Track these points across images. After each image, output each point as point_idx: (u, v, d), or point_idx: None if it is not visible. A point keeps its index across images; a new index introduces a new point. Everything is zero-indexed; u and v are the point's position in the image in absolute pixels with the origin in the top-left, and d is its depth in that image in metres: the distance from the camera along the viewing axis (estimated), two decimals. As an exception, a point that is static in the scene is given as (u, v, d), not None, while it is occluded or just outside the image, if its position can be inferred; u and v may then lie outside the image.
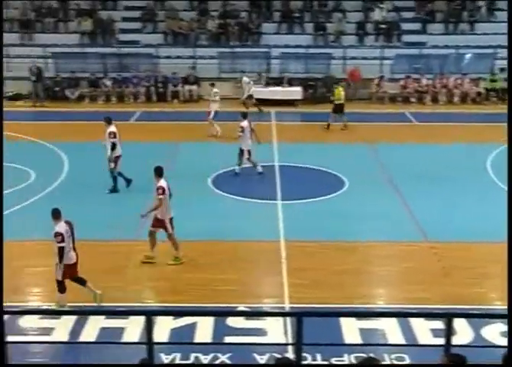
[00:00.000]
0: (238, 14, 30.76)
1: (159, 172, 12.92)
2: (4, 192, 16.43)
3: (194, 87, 27.73)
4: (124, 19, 30.67)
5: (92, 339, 10.11)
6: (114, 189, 16.95)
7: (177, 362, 9.62)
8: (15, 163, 18.57)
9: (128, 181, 17.07)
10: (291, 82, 27.38)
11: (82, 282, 11.39)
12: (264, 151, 20.05)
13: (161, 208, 12.67)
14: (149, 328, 6.12)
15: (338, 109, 23.13)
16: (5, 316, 6.35)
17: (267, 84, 27.31)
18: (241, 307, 11.09)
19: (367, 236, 14.13)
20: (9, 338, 6.15)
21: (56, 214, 11.17)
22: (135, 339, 9.66)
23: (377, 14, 30.43)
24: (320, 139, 21.96)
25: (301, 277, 12.27)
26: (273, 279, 12.45)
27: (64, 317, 10.71)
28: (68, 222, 11.23)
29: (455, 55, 28.44)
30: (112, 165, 16.75)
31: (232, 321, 10.54)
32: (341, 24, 30.22)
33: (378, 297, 12.15)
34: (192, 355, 9.73)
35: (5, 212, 15.01)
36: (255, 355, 9.61)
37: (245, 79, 25.98)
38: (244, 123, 18.05)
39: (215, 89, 22.62)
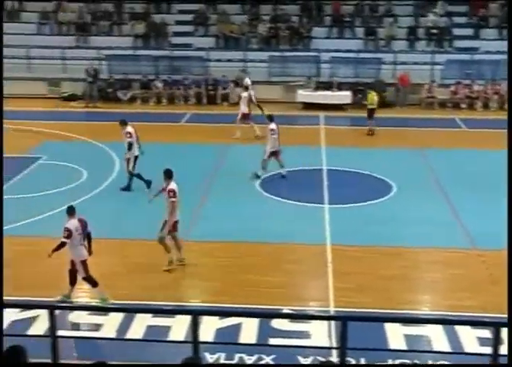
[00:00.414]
0: (289, 18, 30.83)
1: (169, 174, 12.99)
2: (58, 190, 16.93)
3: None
4: (177, 22, 31.05)
5: (139, 337, 10.26)
6: (127, 188, 17.15)
7: (221, 361, 9.73)
8: (68, 162, 19.06)
9: (129, 185, 17.20)
10: (340, 87, 27.34)
11: (73, 281, 11.65)
12: (311, 154, 20.12)
13: (170, 210, 12.74)
14: (195, 327, 6.20)
15: (369, 114, 23.05)
16: (56, 311, 6.54)
17: (317, 88, 27.31)
18: (286, 309, 11.14)
19: (414, 242, 14.05)
20: (60, 332, 6.33)
21: (70, 211, 11.59)
22: (181, 338, 9.73)
23: (430, 19, 30.15)
24: (369, 144, 21.88)
25: (346, 282, 12.27)
26: (319, 282, 12.48)
27: (112, 314, 10.87)
28: (81, 220, 11.56)
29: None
30: (131, 165, 17.04)
31: (277, 323, 10.58)
32: (392, 29, 30.05)
33: (424, 303, 12.07)
34: (237, 356, 9.82)
35: (59, 210, 15.54)
36: (299, 357, 9.65)
37: (247, 80, 26.00)
38: (273, 125, 18.18)
39: (244, 94, 22.74)
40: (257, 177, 18.01)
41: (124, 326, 10.59)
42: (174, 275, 12.72)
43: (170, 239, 12.95)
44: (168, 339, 10.04)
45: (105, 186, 17.51)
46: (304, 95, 26.63)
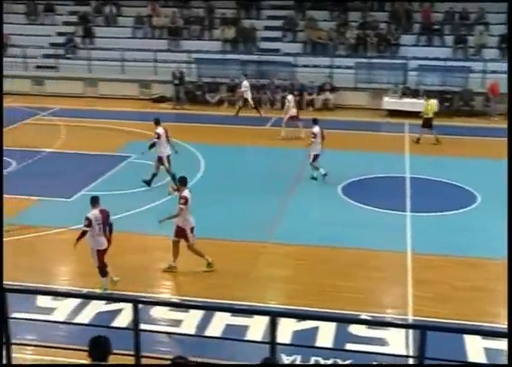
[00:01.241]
0: (378, 25, 30.65)
1: (183, 182, 13.14)
2: (146, 188, 17.45)
3: (330, 96, 27.93)
4: (266, 28, 31.40)
5: (217, 335, 10.49)
6: (148, 182, 17.64)
7: (297, 363, 9.84)
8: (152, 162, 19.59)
9: (149, 182, 17.61)
10: (427, 95, 26.95)
11: (103, 274, 12.11)
12: (395, 162, 20.00)
13: (183, 217, 12.80)
14: (273, 328, 6.25)
15: (426, 123, 22.70)
16: (139, 306, 6.79)
17: (403, 95, 27.07)
18: (364, 315, 11.17)
19: (497, 253, 13.76)
20: (142, 326, 6.59)
21: (93, 202, 11.98)
22: (258, 338, 9.86)
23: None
24: (454, 153, 21.54)
25: (426, 291, 12.19)
26: (398, 290, 12.44)
27: (192, 311, 11.14)
28: (103, 211, 11.94)
29: None
30: (167, 164, 17.62)
31: (354, 328, 10.62)
32: (483, 37, 29.42)
33: (506, 316, 11.83)
34: (313, 359, 9.91)
35: (145, 207, 16.07)
36: (375, 363, 9.66)
37: (245, 82, 26.21)
38: (316, 129, 18.31)
39: (290, 96, 23.48)
40: (314, 178, 18.23)
41: (203, 324, 10.84)
42: (254, 276, 12.94)
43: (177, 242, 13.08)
44: (246, 338, 10.20)
45: (190, 185, 17.85)
46: (390, 102, 26.45)
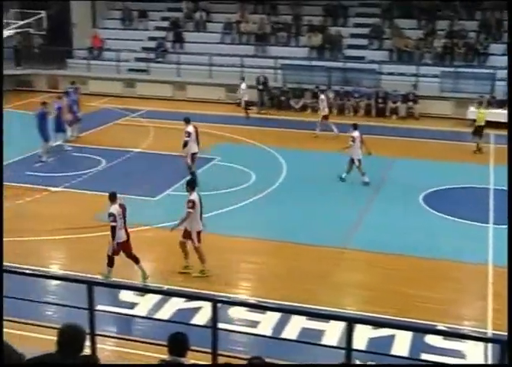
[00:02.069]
0: (466, 34, 30.13)
1: (191, 185, 13.18)
2: (229, 190, 17.78)
3: (414, 105, 27.65)
4: (352, 35, 31.35)
5: (293, 338, 10.56)
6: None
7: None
8: (239, 164, 19.94)
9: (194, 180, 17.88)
10: (479, 103, 26.25)
11: (136, 260, 12.64)
12: (479, 172, 19.65)
13: (190, 220, 12.88)
14: (349, 334, 6.23)
15: (477, 131, 22.24)
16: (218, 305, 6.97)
17: (489, 105, 26.47)
18: (441, 326, 11.07)
19: None
20: (219, 325, 6.79)
21: (111, 197, 12.44)
22: (333, 343, 9.90)
23: None
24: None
25: (506, 304, 11.93)
26: (477, 302, 12.27)
27: (270, 313, 11.29)
28: (121, 205, 12.43)
29: None
30: (189, 161, 17.89)
31: (431, 339, 10.52)
32: None
33: None
34: None
35: (227, 209, 16.38)
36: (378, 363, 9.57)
37: (244, 85, 26.50)
38: (356, 133, 18.45)
39: (322, 96, 24.48)
40: (366, 183, 18.43)
41: (280, 326, 10.97)
42: (332, 281, 13.02)
43: (190, 245, 13.19)
44: (321, 342, 10.26)
45: (272, 189, 18.15)
46: (475, 112, 25.92)
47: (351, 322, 6.35)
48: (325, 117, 23.79)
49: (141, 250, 14.70)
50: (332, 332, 10.53)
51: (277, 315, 11.22)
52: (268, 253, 14.38)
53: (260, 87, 28.33)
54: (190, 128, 18.10)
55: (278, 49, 31.38)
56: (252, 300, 12.16)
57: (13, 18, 29.63)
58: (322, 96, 24.34)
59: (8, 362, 5.42)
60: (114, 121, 25.59)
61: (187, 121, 18.31)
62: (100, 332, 7.48)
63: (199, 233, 13.06)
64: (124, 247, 12.63)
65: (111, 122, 24.88)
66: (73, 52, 33.77)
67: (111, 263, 12.63)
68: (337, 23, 32.18)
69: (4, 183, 18.14)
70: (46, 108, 20.48)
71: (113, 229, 12.32)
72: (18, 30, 29.82)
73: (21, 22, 29.55)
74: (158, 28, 33.85)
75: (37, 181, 18.49)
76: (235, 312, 11.26)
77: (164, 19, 34.12)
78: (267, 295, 12.19)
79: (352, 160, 18.54)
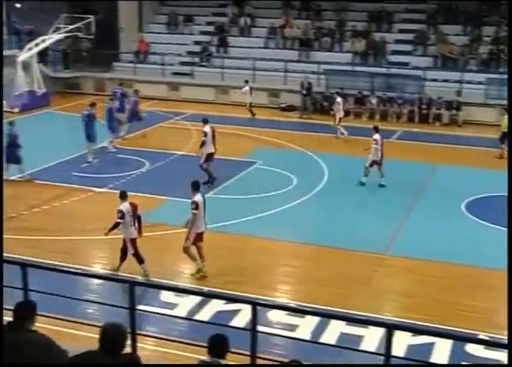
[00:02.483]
0: (514, 40, 29.72)
1: (195, 187, 13.17)
2: (270, 194, 17.86)
3: (458, 112, 27.38)
4: (397, 41, 31.23)
5: (332, 342, 10.56)
6: (209, 181, 18.39)
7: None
8: (281, 168, 20.01)
9: (211, 180, 18.43)
10: (504, 108, 25.78)
11: (123, 258, 12.91)
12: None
13: (194, 221, 12.97)
14: (388, 340, 6.21)
15: (503, 137, 21.87)
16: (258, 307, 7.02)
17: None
18: (482, 336, 10.95)
19: None
20: (259, 328, 6.85)
21: (122, 195, 12.88)
22: (372, 349, 9.84)
23: None
24: None
25: (549, 315, 11.76)
26: (519, 312, 12.08)
27: (309, 317, 11.29)
28: (132, 204, 12.88)
29: None
30: (203, 160, 18.31)
31: (471, 348, 10.38)
32: None
33: None
34: (427, 375, 9.82)
35: (268, 213, 16.47)
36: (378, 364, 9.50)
37: (247, 88, 26.83)
38: (377, 136, 18.73)
39: (339, 99, 24.74)
40: (362, 184, 18.64)
41: (318, 330, 10.97)
42: (372, 286, 13.00)
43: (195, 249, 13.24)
44: (360, 348, 10.25)
45: (313, 193, 18.17)
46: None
47: (390, 328, 6.33)
48: (341, 119, 24.10)
49: (180, 251, 14.90)
50: (371, 338, 10.49)
51: (315, 319, 11.24)
52: (308, 257, 14.41)
53: (304, 92, 28.36)
54: (207, 128, 18.49)
55: (321, 54, 31.44)
56: (291, 303, 12.18)
57: (63, 23, 30.23)
58: (339, 99, 24.52)
59: (52, 359, 5.57)
60: (158, 123, 25.91)
61: (205, 121, 18.77)
62: (140, 332, 7.62)
63: (200, 234, 13.14)
64: (133, 243, 13.02)
65: (156, 125, 25.20)
66: (120, 55, 34.33)
67: (140, 260, 12.93)
68: (381, 29, 32.08)
69: (52, 183, 18.60)
70: (94, 109, 20.84)
71: (115, 225, 12.80)
72: (68, 34, 30.43)
73: (71, 26, 30.15)
74: (203, 33, 34.17)
75: (83, 182, 18.84)
76: (274, 315, 11.27)
77: (209, 24, 34.44)
78: (305, 299, 12.23)
79: (371, 164, 18.85)
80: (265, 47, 32.63)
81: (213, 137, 18.55)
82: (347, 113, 28.28)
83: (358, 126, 26.08)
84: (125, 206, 12.80)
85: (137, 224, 12.97)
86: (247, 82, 27.76)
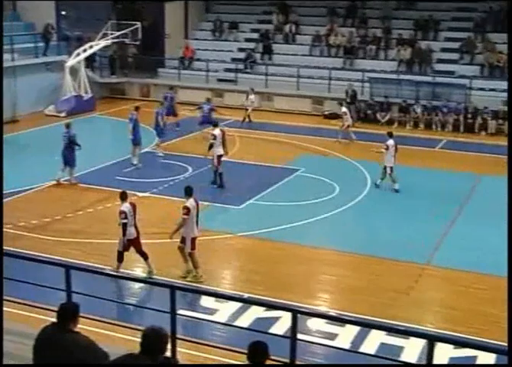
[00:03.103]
0: None
1: (187, 192, 13.18)
2: (312, 201, 17.84)
3: (505, 121, 26.92)
4: (443, 49, 30.91)
5: (371, 352, 10.50)
6: (217, 184, 18.96)
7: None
8: (323, 176, 19.96)
9: (218, 182, 18.90)
10: None
11: (144, 256, 13.15)
12: None
13: (185, 227, 12.98)
14: (430, 352, 6.13)
15: None
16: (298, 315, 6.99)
17: None
18: (526, 350, 10.74)
19: None
20: (299, 336, 6.83)
21: (122, 196, 13.24)
22: (413, 361, 9.76)
23: None
24: None
25: None
26: None
27: (348, 326, 11.22)
28: (132, 204, 13.21)
29: None
30: (216, 162, 18.70)
31: (514, 362, 10.27)
32: None
33: None
34: (467, 387, 9.70)
35: (310, 220, 16.45)
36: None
37: (251, 97, 27.10)
38: (390, 142, 19.04)
39: (343, 108, 24.97)
40: (396, 191, 18.85)
41: (358, 340, 10.89)
42: (413, 297, 12.87)
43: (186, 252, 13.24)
44: (400, 359, 10.17)
45: (355, 202, 18.07)
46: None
47: (432, 340, 6.23)
48: (349, 126, 24.16)
49: (222, 257, 14.99)
50: (411, 350, 10.39)
51: (355, 328, 11.14)
52: (348, 266, 14.34)
53: (348, 100, 28.27)
54: (216, 131, 18.91)
55: (366, 62, 31.33)
56: (331, 312, 12.12)
57: (110, 29, 30.71)
58: (344, 109, 24.38)
59: (94, 360, 5.64)
60: (201, 129, 26.08)
61: (215, 125, 19.54)
62: (180, 336, 7.67)
63: (193, 240, 13.17)
64: (135, 243, 13.23)
65: (199, 131, 25.36)
66: (165, 62, 34.67)
67: (121, 259, 13.21)
68: (427, 37, 31.78)
69: (96, 187, 18.85)
70: (138, 113, 21.09)
71: (124, 226, 12.92)
72: (115, 41, 30.89)
73: (118, 33, 30.61)
74: (248, 40, 34.33)
75: (126, 186, 19.03)
76: (314, 323, 11.25)
77: (254, 31, 34.59)
78: (345, 308, 12.17)
79: (385, 168, 18.99)
80: (309, 55, 32.63)
81: (223, 139, 18.98)
82: (391, 122, 28.16)
83: (402, 135, 25.84)
84: (127, 207, 13.05)
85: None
86: (252, 90, 27.96)
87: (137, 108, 21.32)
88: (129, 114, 21.41)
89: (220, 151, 18.89)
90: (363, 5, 33.97)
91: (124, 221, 12.91)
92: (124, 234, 13.00)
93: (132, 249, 13.29)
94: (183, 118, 27.01)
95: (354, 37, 32.41)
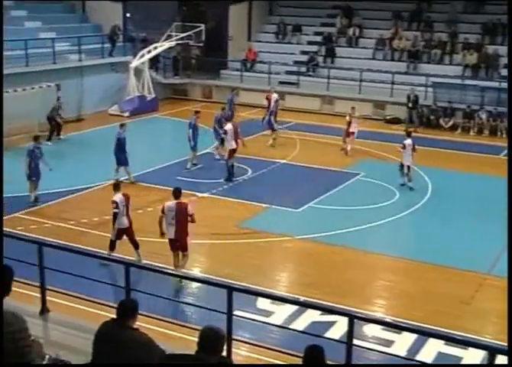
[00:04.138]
0: None
1: (115, 186, 13.97)
2: (371, 206, 17.69)
3: None
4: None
5: (429, 361, 10.31)
6: (225, 177, 19.66)
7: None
8: (383, 181, 19.76)
9: (229, 177, 19.67)
10: None
11: (135, 245, 13.79)
12: None
13: (118, 219, 13.52)
14: (490, 364, 6.04)
15: None
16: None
17: None
18: None
19: None
20: (354, 341, 6.77)
21: (115, 186, 13.90)
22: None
23: None
24: None
25: None
26: None
27: (405, 333, 11.04)
28: (125, 195, 13.70)
29: None
30: (227, 156, 19.63)
31: None
32: None
33: None
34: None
35: (369, 225, 16.32)
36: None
37: (275, 95, 25.96)
38: (408, 141, 19.24)
39: (347, 117, 24.00)
40: (411, 189, 19.06)
41: (415, 348, 10.74)
42: (473, 307, 12.65)
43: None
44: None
45: (415, 208, 17.83)
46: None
47: (493, 352, 6.12)
48: (350, 133, 23.64)
49: (279, 260, 15.01)
50: (470, 361, 10.18)
51: (412, 336, 10.94)
52: (406, 272, 14.17)
53: (410, 105, 27.92)
54: (228, 126, 19.65)
55: (430, 66, 30.87)
56: (387, 318, 11.99)
57: (174, 31, 31.11)
58: (348, 118, 23.62)
59: (153, 358, 5.71)
60: (262, 131, 26.18)
61: (227, 119, 20.64)
62: (236, 337, 7.70)
63: (121, 230, 13.75)
64: (127, 233, 13.73)
65: (260, 133, 25.47)
66: (228, 63, 34.92)
67: (112, 247, 13.72)
68: (495, 41, 31.12)
69: (156, 186, 19.10)
70: (198, 118, 21.25)
71: (114, 216, 13.50)
72: (179, 42, 31.28)
73: (182, 34, 30.99)
74: (311, 43, 34.26)
75: (186, 186, 19.22)
76: (370, 329, 11.14)
77: (317, 34, 34.50)
78: (402, 315, 12.01)
79: (401, 166, 19.07)
80: (372, 58, 32.39)
81: (235, 133, 19.54)
82: (454, 127, 27.68)
83: (466, 141, 25.46)
84: (119, 197, 13.57)
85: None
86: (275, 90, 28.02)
87: (196, 113, 21.47)
88: (190, 118, 21.60)
89: (233, 144, 19.50)
90: (429, 9, 33.48)
91: (116, 210, 13.47)
92: (113, 223, 13.61)
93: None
94: (244, 119, 27.14)
95: (418, 40, 31.99)
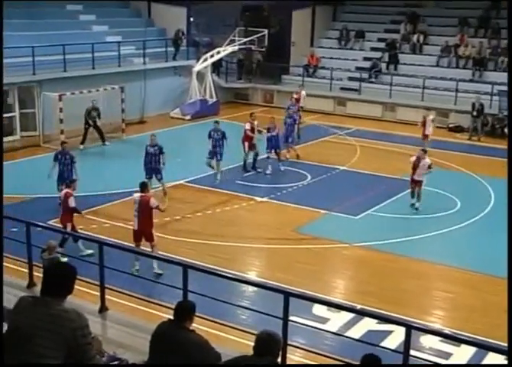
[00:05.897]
0: None
1: (141, 187, 13.59)
2: (432, 215, 17.40)
3: None
4: None
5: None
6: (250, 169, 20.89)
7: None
8: (444, 190, 19.43)
9: (254, 167, 20.94)
10: None
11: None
12: None
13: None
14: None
15: None
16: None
17: None
18: None
19: None
20: (411, 352, 6.66)
21: (141, 186, 13.45)
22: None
23: None
24: None
25: None
26: None
27: (464, 346, 10.84)
28: (143, 196, 13.18)
29: None
30: (247, 149, 21.03)
31: None
32: None
33: None
34: None
35: (429, 234, 16.07)
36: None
37: (303, 93, 26.48)
38: (427, 160, 18.18)
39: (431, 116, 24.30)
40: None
41: (473, 362, 10.47)
42: (497, 313, 12.27)
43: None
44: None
45: (476, 218, 17.47)
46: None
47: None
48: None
49: (336, 266, 14.93)
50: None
51: (471, 349, 10.71)
52: (465, 283, 13.88)
53: (475, 113, 27.39)
54: (248, 126, 21.09)
55: (496, 74, 30.22)
56: (446, 330, 11.77)
57: (238, 35, 31.35)
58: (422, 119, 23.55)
59: (209, 360, 5.74)
60: (322, 137, 26.09)
61: (251, 116, 21.57)
62: (291, 343, 7.69)
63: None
64: (134, 235, 13.46)
65: (320, 139, 25.38)
66: (290, 69, 34.95)
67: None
68: None
69: (216, 189, 19.23)
70: (254, 120, 21.38)
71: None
72: (242, 47, 31.49)
73: (245, 39, 31.19)
74: (374, 49, 34.01)
75: (245, 190, 19.35)
76: (427, 340, 10.97)
77: (381, 40, 34.22)
78: (460, 327, 11.76)
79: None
80: (436, 66, 31.92)
81: (252, 130, 20.91)
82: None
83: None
84: (135, 195, 13.42)
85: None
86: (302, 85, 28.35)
87: (251, 115, 21.69)
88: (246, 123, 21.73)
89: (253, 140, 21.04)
90: (497, 15, 32.82)
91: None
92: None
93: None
94: (307, 125, 27.11)
95: (484, 48, 31.37)
